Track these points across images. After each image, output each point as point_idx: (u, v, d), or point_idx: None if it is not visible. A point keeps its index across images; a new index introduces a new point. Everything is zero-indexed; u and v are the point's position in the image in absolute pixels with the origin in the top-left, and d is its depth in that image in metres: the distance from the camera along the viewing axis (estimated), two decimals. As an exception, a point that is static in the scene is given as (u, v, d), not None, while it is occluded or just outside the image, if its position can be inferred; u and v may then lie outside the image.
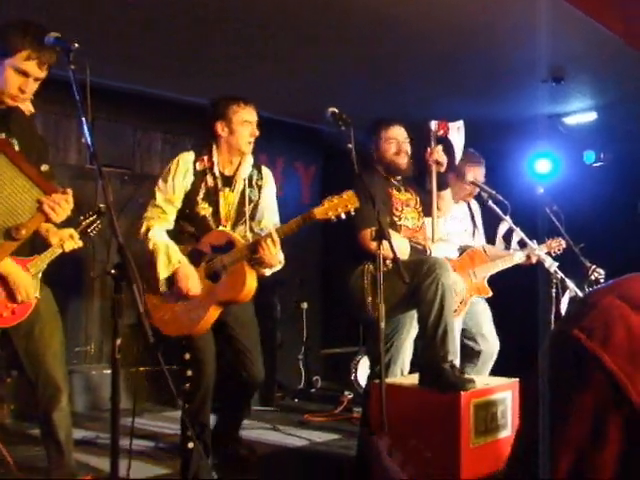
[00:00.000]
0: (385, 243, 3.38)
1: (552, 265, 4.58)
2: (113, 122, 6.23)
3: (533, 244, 4.71)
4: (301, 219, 3.68)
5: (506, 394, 3.90)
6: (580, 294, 4.46)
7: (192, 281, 3.77)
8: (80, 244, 3.41)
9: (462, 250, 4.89)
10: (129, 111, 6.41)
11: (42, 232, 3.28)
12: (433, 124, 4.25)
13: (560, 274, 4.54)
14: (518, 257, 4.87)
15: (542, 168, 7.53)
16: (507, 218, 4.62)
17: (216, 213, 3.92)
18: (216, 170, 3.94)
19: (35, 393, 3.39)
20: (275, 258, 3.73)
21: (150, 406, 6.10)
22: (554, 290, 4.54)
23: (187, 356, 3.86)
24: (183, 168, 3.90)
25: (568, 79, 5.88)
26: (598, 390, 0.78)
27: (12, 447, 4.15)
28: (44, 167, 3.23)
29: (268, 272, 3.91)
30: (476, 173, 4.91)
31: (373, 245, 3.56)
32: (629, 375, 0.77)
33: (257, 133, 3.97)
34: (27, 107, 3.29)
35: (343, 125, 3.64)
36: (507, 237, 5.01)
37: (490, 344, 4.71)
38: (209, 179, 3.93)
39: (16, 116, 3.19)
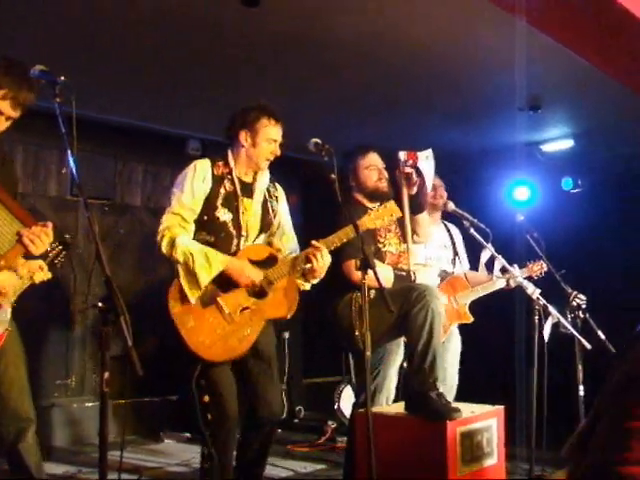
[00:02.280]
0: (370, 272, 3.38)
1: (535, 292, 4.60)
2: (94, 153, 6.22)
3: (515, 271, 4.74)
4: (349, 230, 3.71)
5: (491, 421, 3.88)
6: (563, 321, 4.49)
7: (250, 271, 3.63)
8: (49, 275, 3.31)
9: (443, 276, 4.92)
10: (110, 142, 6.42)
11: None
12: (402, 154, 4.22)
13: (543, 301, 4.57)
14: (500, 284, 4.91)
15: (521, 195, 7.59)
16: (489, 245, 4.65)
17: (236, 219, 3.75)
18: (234, 175, 3.78)
19: (0, 429, 3.33)
20: (324, 269, 3.68)
21: (132, 439, 6.05)
22: (537, 317, 4.55)
23: (207, 398, 3.63)
24: (201, 172, 3.70)
25: (545, 107, 5.96)
26: None
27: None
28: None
29: (308, 286, 3.83)
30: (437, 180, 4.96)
31: (358, 275, 3.56)
32: None
33: (278, 153, 3.84)
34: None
35: (326, 155, 3.65)
36: (489, 264, 5.04)
37: (450, 378, 4.71)
38: (227, 184, 3.75)
39: None
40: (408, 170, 4.19)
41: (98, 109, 5.86)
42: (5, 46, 3.20)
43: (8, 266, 2.99)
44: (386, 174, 4.32)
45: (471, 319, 4.80)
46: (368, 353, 3.33)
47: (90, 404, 6.09)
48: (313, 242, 3.68)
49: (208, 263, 3.55)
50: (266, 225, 3.89)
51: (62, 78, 2.52)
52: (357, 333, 3.95)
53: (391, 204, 3.85)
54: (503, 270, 4.83)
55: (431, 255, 4.86)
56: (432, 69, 5.21)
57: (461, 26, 4.52)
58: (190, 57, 5.01)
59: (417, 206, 4.31)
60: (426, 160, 4.34)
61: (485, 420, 3.84)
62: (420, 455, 3.60)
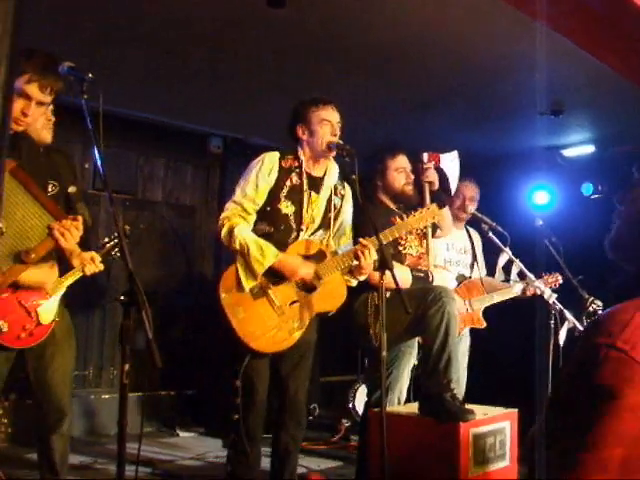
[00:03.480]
0: (387, 273, 3.41)
1: (551, 296, 4.62)
2: (116, 148, 6.28)
3: (532, 276, 4.75)
4: (395, 229, 3.85)
5: (505, 424, 3.90)
6: (579, 326, 4.50)
7: (302, 268, 3.71)
8: (101, 267, 3.40)
9: (460, 280, 4.94)
10: (132, 138, 6.47)
11: (66, 254, 3.30)
12: (425, 155, 4.30)
13: (559, 305, 4.58)
14: (517, 289, 4.92)
15: (540, 200, 7.58)
16: (507, 249, 4.67)
17: (299, 213, 3.81)
18: (304, 169, 3.84)
19: (38, 414, 3.40)
20: (371, 266, 3.73)
21: (147, 432, 6.10)
22: (552, 321, 4.56)
23: (238, 383, 3.69)
24: (269, 165, 3.78)
25: (567, 112, 5.94)
26: None
27: (8, 471, 4.15)
28: (72, 189, 3.26)
29: (354, 282, 3.91)
30: (470, 190, 4.98)
31: (375, 276, 3.60)
32: None
33: (338, 133, 3.86)
34: (41, 136, 3.35)
35: (347, 156, 3.69)
36: (507, 268, 5.05)
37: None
38: (294, 177, 3.82)
39: (25, 143, 3.24)
40: (432, 179, 4.28)
41: (121, 104, 5.91)
42: (33, 42, 3.22)
43: (38, 258, 3.04)
44: (412, 177, 4.36)
45: (484, 324, 4.81)
46: (384, 353, 3.36)
47: (107, 396, 6.15)
48: (361, 240, 3.73)
49: (262, 255, 3.63)
50: (325, 222, 3.93)
51: (90, 75, 2.56)
52: (371, 332, 4.00)
53: (434, 207, 3.95)
54: (520, 274, 4.85)
55: (451, 259, 4.89)
56: (454, 72, 5.22)
57: (483, 30, 4.53)
58: (215, 56, 5.06)
59: (440, 202, 4.36)
60: (450, 162, 4.39)
61: (498, 422, 3.86)
62: (432, 455, 3.62)
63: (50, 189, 3.33)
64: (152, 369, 2.20)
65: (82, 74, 2.59)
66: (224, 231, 3.68)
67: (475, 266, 5.09)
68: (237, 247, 3.64)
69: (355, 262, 3.76)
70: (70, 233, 3.00)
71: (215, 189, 7.29)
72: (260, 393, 3.74)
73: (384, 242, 3.71)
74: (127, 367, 2.30)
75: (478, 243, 5.17)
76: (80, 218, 3.05)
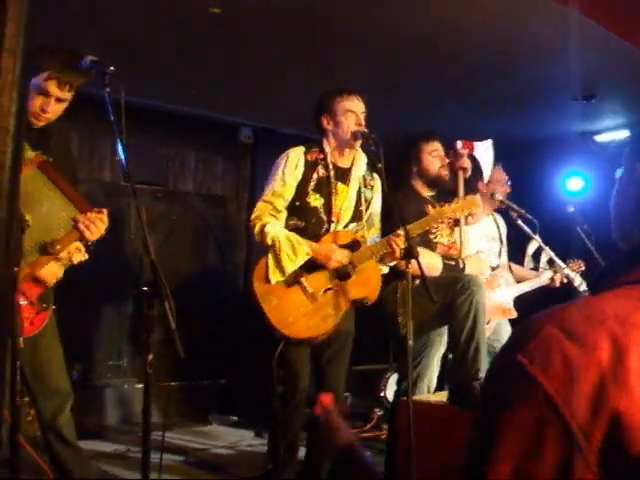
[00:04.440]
0: (413, 262, 3.41)
1: (581, 284, 4.58)
2: (147, 140, 6.31)
3: (561, 263, 4.70)
4: (430, 218, 3.89)
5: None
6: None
7: (336, 253, 3.75)
8: (86, 256, 3.40)
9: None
10: (163, 129, 6.50)
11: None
12: (459, 143, 4.31)
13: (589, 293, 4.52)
14: (545, 277, 4.86)
15: (574, 186, 7.49)
16: (536, 237, 4.63)
17: (328, 205, 3.85)
18: (329, 160, 3.87)
19: (36, 405, 3.43)
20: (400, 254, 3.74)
21: (180, 421, 6.16)
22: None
23: (280, 372, 3.77)
24: (294, 160, 3.83)
25: (599, 97, 5.87)
26: (538, 409, 0.89)
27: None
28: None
29: (386, 269, 3.96)
30: (498, 177, 4.94)
31: (401, 264, 3.61)
32: (564, 398, 0.88)
33: (363, 123, 3.88)
34: None
35: (373, 144, 3.70)
36: (536, 256, 5.00)
37: None
38: (321, 169, 3.86)
39: (53, 135, 3.27)
40: (465, 165, 4.27)
41: (151, 96, 5.95)
42: (55, 34, 3.26)
43: (63, 250, 3.08)
44: (447, 160, 4.36)
45: (515, 314, 4.77)
46: (410, 342, 3.37)
47: (140, 385, 6.20)
48: (398, 232, 3.72)
49: (294, 253, 3.69)
50: (358, 214, 3.96)
51: (111, 68, 2.59)
52: (400, 320, 4.00)
53: (472, 198, 3.97)
54: (550, 262, 4.80)
55: (482, 247, 4.86)
56: (486, 59, 5.17)
57: (515, 16, 4.48)
58: (245, 46, 5.05)
59: (471, 189, 4.36)
60: (484, 151, 4.38)
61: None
62: (461, 444, 3.61)
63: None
64: (183, 359, 2.23)
65: (104, 67, 2.61)
66: (256, 230, 3.76)
67: (502, 252, 5.06)
68: (269, 244, 3.70)
69: (388, 250, 3.78)
70: (95, 225, 3.05)
71: (246, 179, 7.30)
72: (302, 380, 3.80)
73: (419, 232, 3.74)
74: (151, 357, 2.32)
75: (504, 230, 5.13)
76: (105, 211, 3.09)
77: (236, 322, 6.45)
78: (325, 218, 3.83)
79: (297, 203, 3.82)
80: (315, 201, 3.82)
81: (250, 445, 5.36)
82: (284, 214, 3.82)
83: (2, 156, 1.52)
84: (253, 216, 3.82)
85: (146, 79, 5.49)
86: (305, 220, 3.82)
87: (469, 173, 4.32)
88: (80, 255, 3.32)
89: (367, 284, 3.83)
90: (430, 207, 4.30)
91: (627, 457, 0.86)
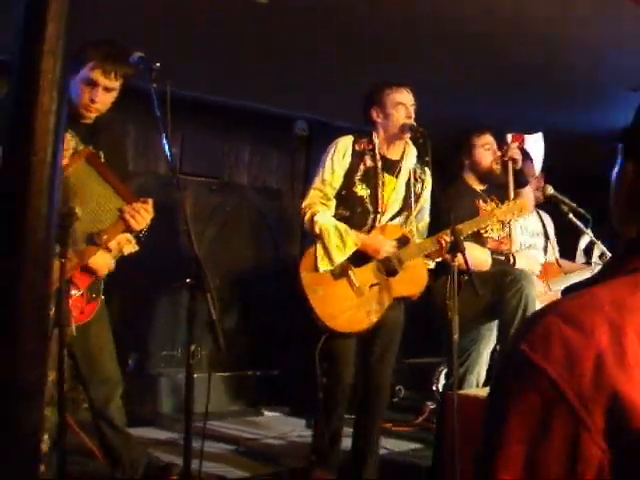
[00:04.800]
0: (459, 256, 3.41)
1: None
2: (202, 133, 6.39)
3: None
4: (480, 219, 3.90)
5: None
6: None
7: (385, 245, 3.77)
8: (137, 248, 3.46)
9: None
10: (218, 123, 6.57)
11: None
12: (509, 136, 4.29)
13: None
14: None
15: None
16: (588, 231, 4.57)
17: (374, 195, 3.85)
18: (377, 152, 3.88)
19: (88, 393, 3.54)
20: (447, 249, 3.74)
21: (233, 410, 6.24)
22: None
23: (324, 365, 3.79)
24: (342, 149, 3.86)
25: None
26: (542, 393, 0.93)
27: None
28: None
29: (432, 264, 3.96)
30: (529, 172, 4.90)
31: (447, 258, 3.60)
32: (566, 380, 0.92)
33: (413, 115, 3.89)
34: None
35: (421, 138, 3.70)
36: (588, 251, 4.94)
37: None
38: (368, 160, 3.87)
39: (105, 130, 3.35)
40: (515, 156, 4.25)
41: (207, 89, 6.02)
42: (106, 30, 3.32)
43: (110, 240, 3.16)
44: (499, 154, 4.35)
45: None
46: (456, 337, 3.37)
47: (195, 375, 6.29)
48: (448, 230, 3.71)
49: (342, 243, 3.70)
50: (406, 206, 3.95)
51: (157, 64, 2.64)
52: (449, 314, 3.99)
53: (522, 201, 3.96)
54: (602, 256, 4.74)
55: (525, 242, 4.82)
56: (541, 52, 5.10)
57: (570, 11, 4.42)
58: (297, 39, 5.08)
59: (522, 181, 4.33)
60: (535, 143, 4.35)
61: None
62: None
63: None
64: (238, 349, 2.28)
65: (150, 63, 2.67)
66: (306, 219, 3.77)
67: (549, 249, 5.00)
68: (318, 233, 3.72)
69: (436, 248, 3.78)
70: (140, 215, 3.12)
71: (301, 172, 7.33)
72: (345, 374, 3.82)
73: (468, 232, 3.74)
74: (193, 348, 2.38)
75: (550, 225, 5.07)
76: (150, 201, 3.17)
77: (288, 313, 6.50)
78: (371, 208, 3.84)
79: (343, 192, 3.84)
80: (362, 191, 3.82)
81: (300, 436, 5.40)
82: (334, 202, 3.84)
83: (43, 153, 1.59)
84: (304, 204, 3.84)
85: (203, 73, 5.56)
86: (351, 210, 3.84)
87: (519, 165, 4.29)
88: (130, 246, 3.40)
89: (413, 282, 3.84)
90: (481, 201, 4.29)
91: (629, 432, 0.90)
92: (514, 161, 4.28)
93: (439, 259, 3.89)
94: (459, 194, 4.24)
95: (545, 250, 5.02)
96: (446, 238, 3.69)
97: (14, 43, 1.59)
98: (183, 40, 4.97)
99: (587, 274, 4.86)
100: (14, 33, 1.60)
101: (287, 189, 7.28)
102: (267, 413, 6.35)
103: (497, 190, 4.43)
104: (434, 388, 6.57)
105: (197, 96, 5.83)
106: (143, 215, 3.16)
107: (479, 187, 4.38)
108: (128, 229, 3.19)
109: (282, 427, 5.79)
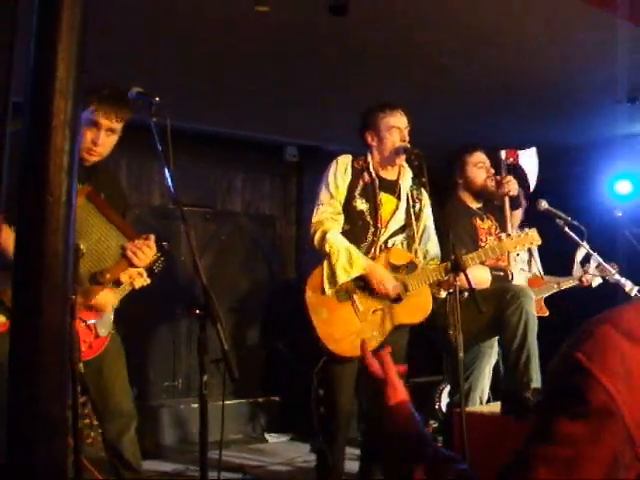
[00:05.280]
0: (461, 275, 3.43)
1: (633, 289, 4.54)
2: (194, 162, 6.42)
3: (611, 269, 4.68)
4: (490, 250, 3.88)
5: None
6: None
7: (387, 281, 3.73)
8: (148, 281, 3.48)
9: None
10: (209, 152, 6.61)
11: None
12: (503, 153, 4.30)
13: (642, 297, 4.51)
14: (595, 283, 4.88)
15: (623, 189, 7.40)
16: (584, 244, 4.61)
17: (374, 210, 3.85)
18: (372, 170, 3.89)
19: (103, 425, 3.53)
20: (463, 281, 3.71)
21: (237, 438, 6.22)
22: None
23: (321, 392, 3.74)
24: (343, 165, 3.86)
25: (644, 98, 5.83)
26: (597, 401, 0.95)
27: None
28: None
29: (444, 294, 3.92)
30: None
31: (450, 277, 3.62)
32: (620, 391, 0.94)
33: (407, 138, 3.90)
34: None
35: (416, 159, 3.73)
36: (584, 263, 5.00)
37: None
38: (366, 176, 3.88)
39: (101, 170, 3.38)
40: (511, 190, 4.26)
41: (197, 120, 6.06)
42: (100, 65, 3.36)
43: (114, 279, 3.18)
44: (492, 171, 4.37)
45: (547, 312, 4.82)
46: (461, 354, 3.38)
47: (196, 405, 6.24)
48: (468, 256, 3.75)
49: (349, 264, 3.67)
50: (408, 227, 3.95)
51: (157, 99, 2.67)
52: (451, 332, 4.00)
53: (533, 232, 3.93)
54: (598, 267, 4.79)
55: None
56: (529, 65, 5.17)
57: (557, 23, 4.48)
58: (286, 66, 5.13)
59: (516, 204, 4.36)
60: (529, 159, 4.37)
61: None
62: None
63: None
64: (238, 378, 2.28)
65: (150, 98, 2.70)
66: (317, 236, 3.74)
67: (532, 262, 5.06)
68: (327, 251, 3.69)
69: (446, 277, 3.76)
70: (143, 252, 3.14)
71: (293, 197, 7.38)
72: (343, 400, 3.75)
73: (476, 262, 3.75)
74: (205, 378, 2.38)
75: None
76: (152, 237, 3.18)
77: (288, 338, 6.50)
78: (371, 222, 3.84)
79: (344, 206, 3.85)
80: (361, 205, 3.83)
81: (306, 461, 5.38)
82: (342, 216, 3.82)
83: (58, 191, 1.61)
84: (314, 220, 3.81)
85: (191, 104, 5.59)
86: (352, 223, 3.83)
87: (515, 193, 4.30)
88: (142, 280, 3.42)
89: (417, 309, 3.83)
90: (478, 219, 4.32)
91: None
92: (510, 196, 4.28)
93: (451, 290, 3.88)
94: (456, 213, 4.27)
95: (529, 264, 5.08)
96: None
97: (25, 84, 1.62)
98: (173, 73, 5.02)
99: (567, 284, 4.96)
100: (25, 73, 1.62)
101: (280, 215, 7.31)
102: (271, 439, 6.34)
103: (493, 207, 4.46)
104: (436, 407, 6.57)
105: (187, 126, 5.86)
106: (145, 252, 3.17)
107: (475, 205, 4.41)
108: (131, 266, 3.21)
109: (287, 453, 5.78)
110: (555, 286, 4.95)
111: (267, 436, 6.38)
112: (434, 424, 6.35)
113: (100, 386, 3.45)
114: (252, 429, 6.44)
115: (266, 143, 7.01)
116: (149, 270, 3.48)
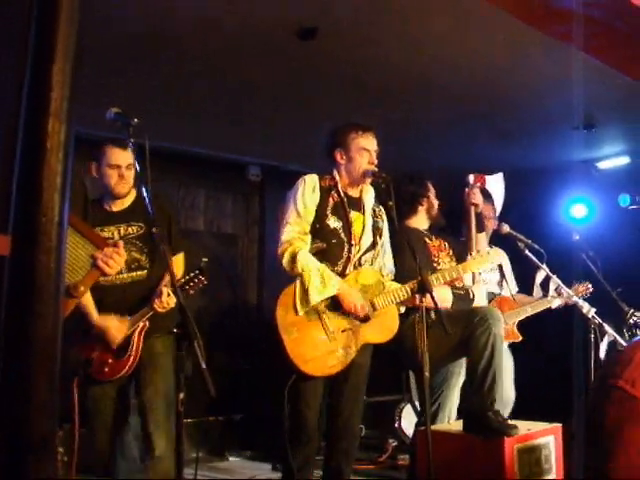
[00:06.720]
0: (427, 295, 3.49)
1: (590, 310, 4.66)
2: (157, 180, 6.38)
3: (570, 291, 4.80)
4: (452, 270, 4.02)
5: (549, 439, 3.94)
6: (619, 339, 4.53)
7: (357, 300, 3.75)
8: (174, 299, 3.49)
9: (490, 298, 4.98)
10: (172, 170, 6.61)
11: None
12: (471, 177, 4.40)
13: (598, 319, 4.62)
14: (555, 304, 4.99)
15: (578, 213, 7.57)
16: (544, 266, 4.72)
17: (346, 227, 3.87)
18: (339, 188, 3.91)
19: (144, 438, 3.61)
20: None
21: (199, 456, 6.21)
22: (592, 335, 4.60)
23: (287, 408, 3.74)
24: (311, 184, 3.86)
25: (600, 126, 6.00)
26: None
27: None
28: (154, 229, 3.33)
29: (402, 309, 4.00)
30: (487, 210, 5.04)
31: (416, 298, 3.67)
32: None
33: (375, 162, 3.92)
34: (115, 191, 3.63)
35: (383, 183, 3.78)
36: (544, 285, 5.10)
37: (505, 395, 4.63)
38: (335, 195, 3.89)
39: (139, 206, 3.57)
40: (476, 201, 4.36)
41: (160, 138, 6.06)
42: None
43: (87, 291, 3.20)
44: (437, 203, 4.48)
45: (519, 338, 4.89)
46: (427, 374, 3.43)
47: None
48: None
49: (323, 285, 3.68)
50: (374, 243, 3.99)
51: (135, 120, 2.71)
52: (419, 354, 4.05)
53: (495, 250, 4.03)
54: (558, 290, 4.90)
55: (482, 278, 4.95)
56: (490, 93, 5.31)
57: (517, 53, 4.62)
58: (250, 87, 5.19)
59: (480, 226, 4.45)
60: (495, 183, 4.47)
61: (542, 437, 3.90)
62: (479, 471, 3.68)
63: (134, 230, 3.61)
64: (200, 396, 2.32)
65: (128, 119, 2.74)
66: (286, 256, 3.72)
67: (504, 284, 5.15)
68: (299, 272, 3.69)
69: (409, 296, 3.84)
70: (113, 260, 3.17)
71: (255, 217, 7.41)
72: (309, 417, 3.76)
73: (442, 282, 3.88)
74: (182, 396, 2.41)
75: (505, 261, 5.20)
76: (121, 244, 3.23)
77: (249, 357, 6.52)
78: (345, 239, 3.85)
79: (317, 226, 3.83)
80: (334, 223, 3.84)
81: (268, 479, 5.40)
82: (309, 236, 3.82)
83: (51, 212, 1.64)
84: (283, 239, 3.78)
85: (155, 121, 5.59)
86: (326, 242, 3.83)
87: (480, 208, 4.41)
88: (172, 300, 3.50)
89: (383, 329, 3.87)
90: (427, 239, 4.39)
91: None
92: (475, 206, 4.38)
93: (410, 305, 3.95)
94: (414, 236, 4.33)
95: (500, 285, 5.17)
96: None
97: (20, 107, 1.65)
98: (136, 91, 5.04)
99: (541, 307, 5.05)
100: (19, 97, 1.66)
101: (242, 234, 7.34)
102: (232, 458, 6.33)
103: (437, 231, 4.54)
104: (396, 425, 6.62)
105: (150, 144, 5.85)
106: (116, 259, 3.21)
107: (423, 227, 4.48)
108: (103, 275, 3.24)
109: (247, 471, 5.79)
110: (529, 309, 5.01)
111: (228, 454, 6.37)
112: (393, 443, 6.40)
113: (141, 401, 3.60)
114: (213, 448, 6.42)
115: (229, 162, 7.05)
116: (181, 287, 3.48)
